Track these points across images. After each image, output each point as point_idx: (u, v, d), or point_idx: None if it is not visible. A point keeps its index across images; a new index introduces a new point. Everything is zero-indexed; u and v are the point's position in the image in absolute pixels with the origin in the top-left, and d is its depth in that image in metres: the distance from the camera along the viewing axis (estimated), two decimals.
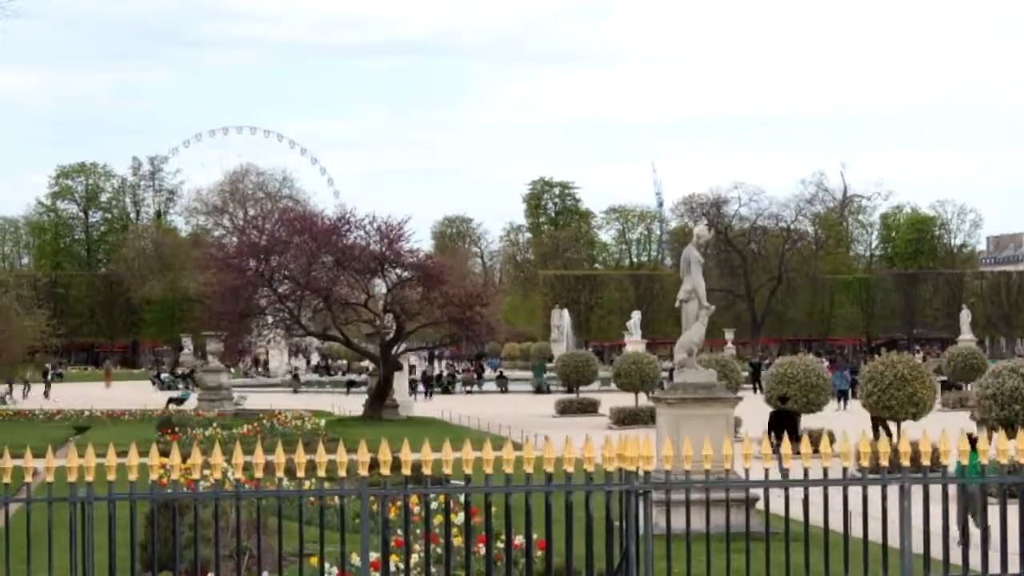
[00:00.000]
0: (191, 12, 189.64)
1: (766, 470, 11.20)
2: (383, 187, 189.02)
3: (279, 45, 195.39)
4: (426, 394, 65.84)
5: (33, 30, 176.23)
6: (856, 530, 11.03)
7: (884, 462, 11.03)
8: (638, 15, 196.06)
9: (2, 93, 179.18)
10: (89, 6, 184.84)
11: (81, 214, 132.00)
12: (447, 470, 11.02)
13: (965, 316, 78.32)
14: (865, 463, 11.57)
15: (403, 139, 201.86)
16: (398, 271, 51.70)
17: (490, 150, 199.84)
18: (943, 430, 12.51)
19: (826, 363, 54.94)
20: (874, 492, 11.09)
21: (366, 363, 65.10)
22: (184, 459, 11.59)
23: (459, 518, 12.20)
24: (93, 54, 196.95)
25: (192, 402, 56.18)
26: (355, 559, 11.87)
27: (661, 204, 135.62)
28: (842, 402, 50.29)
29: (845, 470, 11.12)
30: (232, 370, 65.98)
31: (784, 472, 11.54)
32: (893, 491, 11.03)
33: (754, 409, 34.96)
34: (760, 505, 12.80)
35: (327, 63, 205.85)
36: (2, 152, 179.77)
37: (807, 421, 33.85)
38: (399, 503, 14.16)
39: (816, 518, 11.04)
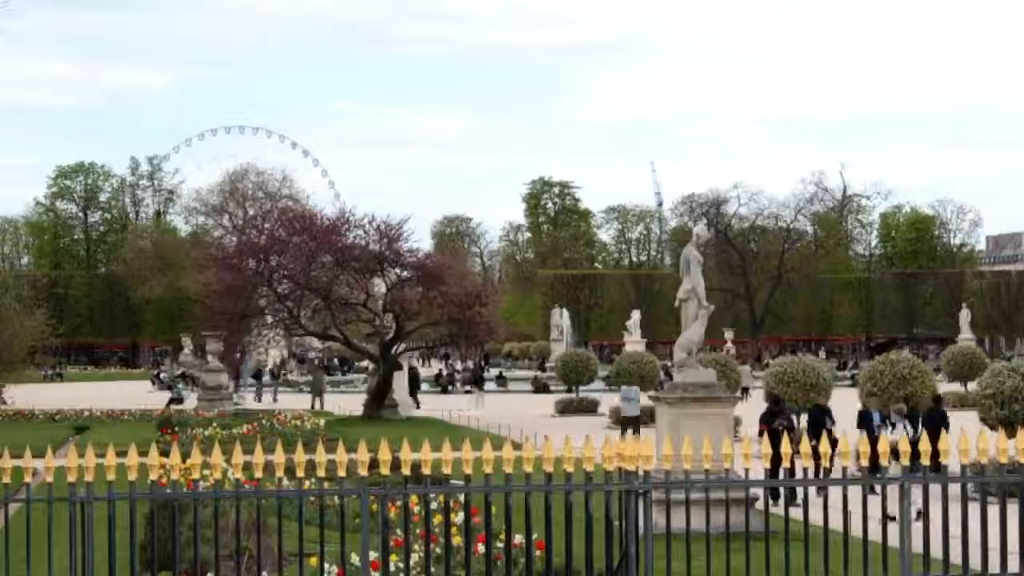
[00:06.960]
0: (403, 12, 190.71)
1: (765, 470, 11.20)
2: (383, 186, 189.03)
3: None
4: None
5: (237, 30, 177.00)
6: (856, 529, 11.04)
7: (884, 461, 11.03)
8: (637, 15, 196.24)
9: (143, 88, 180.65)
10: (311, 6, 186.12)
11: (80, 214, 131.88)
12: (447, 470, 11.02)
13: (965, 316, 78.38)
14: (865, 462, 11.55)
15: (408, 139, 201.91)
16: (397, 271, 51.68)
17: (490, 149, 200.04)
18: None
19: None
20: None
21: (365, 363, 64.94)
22: (184, 459, 11.58)
23: (459, 518, 12.20)
24: (287, 54, 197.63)
25: (192, 402, 56.14)
26: (355, 559, 11.87)
27: (661, 204, 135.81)
28: None
29: (845, 469, 11.12)
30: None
31: (788, 472, 11.53)
32: (893, 490, 11.02)
33: (754, 409, 34.93)
34: (760, 504, 12.79)
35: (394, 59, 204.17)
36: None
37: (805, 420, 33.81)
38: (399, 503, 14.16)
39: (816, 517, 11.03)
